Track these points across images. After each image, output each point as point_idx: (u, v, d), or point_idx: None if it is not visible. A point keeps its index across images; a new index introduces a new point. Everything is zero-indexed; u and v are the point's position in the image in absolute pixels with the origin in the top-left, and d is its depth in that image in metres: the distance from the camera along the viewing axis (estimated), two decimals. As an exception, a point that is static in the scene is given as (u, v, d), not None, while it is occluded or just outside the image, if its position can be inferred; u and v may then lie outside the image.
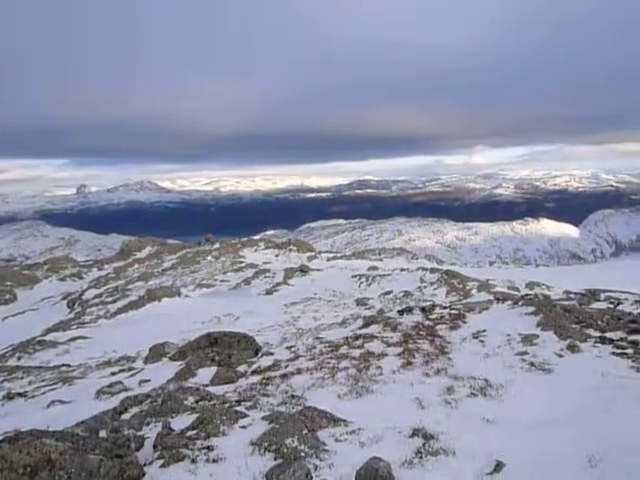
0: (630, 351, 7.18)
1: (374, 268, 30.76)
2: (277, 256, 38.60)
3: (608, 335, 8.06)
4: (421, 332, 8.51)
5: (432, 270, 26.52)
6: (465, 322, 9.23)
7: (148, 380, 7.92)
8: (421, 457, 4.17)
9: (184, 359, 8.56)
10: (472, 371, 6.56)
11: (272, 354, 8.28)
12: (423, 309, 10.60)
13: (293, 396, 5.99)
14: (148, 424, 5.25)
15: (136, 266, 38.65)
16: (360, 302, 21.47)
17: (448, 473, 3.93)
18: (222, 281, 29.29)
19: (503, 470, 3.90)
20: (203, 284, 28.49)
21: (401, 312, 10.57)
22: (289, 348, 8.62)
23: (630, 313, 9.78)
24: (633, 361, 6.72)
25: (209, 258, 36.90)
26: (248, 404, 5.58)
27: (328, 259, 37.62)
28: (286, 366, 7.28)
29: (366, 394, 6.01)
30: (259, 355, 8.22)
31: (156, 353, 10.82)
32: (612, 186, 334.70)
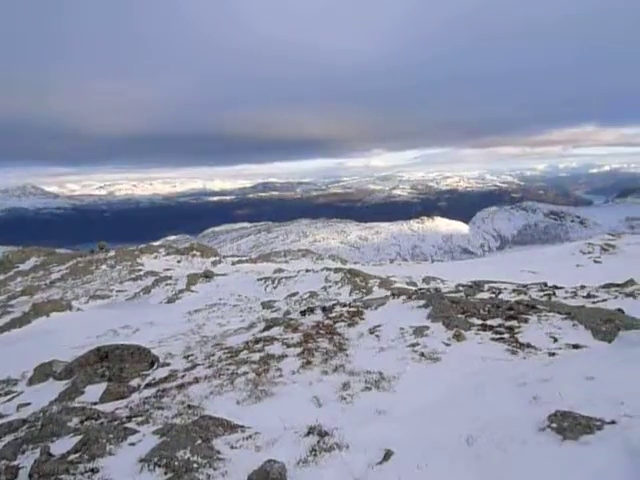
0: (506, 336, 7.92)
1: (280, 270, 30.79)
2: (179, 262, 37.19)
3: (489, 322, 8.81)
4: (321, 331, 8.69)
5: (336, 270, 27.13)
6: (363, 318, 9.57)
7: (28, 404, 7.21)
8: (315, 455, 4.24)
9: (71, 377, 7.93)
10: (368, 365, 6.82)
11: (169, 365, 7.95)
12: (324, 308, 10.82)
13: (190, 406, 5.80)
14: (24, 452, 4.78)
15: (19, 279, 35.10)
16: (266, 305, 21.39)
17: (341, 467, 4.04)
18: (119, 291, 27.57)
19: (392, 458, 4.09)
20: (97, 295, 26.60)
21: (303, 313, 10.71)
22: (187, 357, 8.34)
23: (508, 301, 10.78)
24: (509, 345, 7.42)
25: (104, 267, 34.57)
26: (140, 419, 5.30)
27: (233, 263, 37.00)
28: (183, 376, 7.03)
29: (265, 397, 5.99)
30: (154, 367, 7.86)
31: (41, 373, 9.88)
32: (496, 186, 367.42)
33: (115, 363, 7.65)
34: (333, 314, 10.18)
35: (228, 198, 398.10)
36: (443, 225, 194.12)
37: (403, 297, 11.07)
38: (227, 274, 30.13)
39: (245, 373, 6.79)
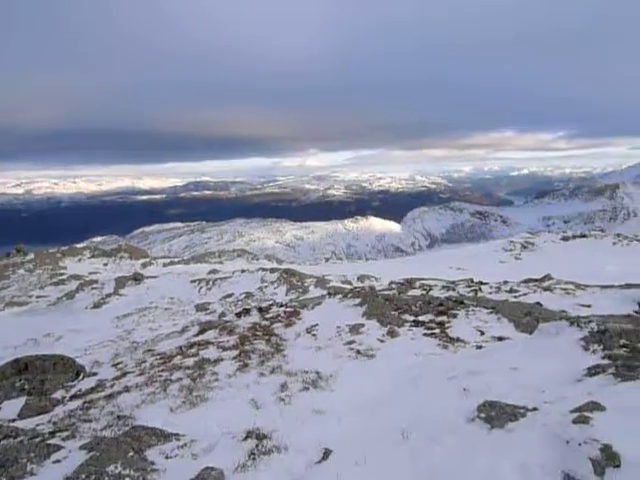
0: (437, 331, 8.26)
1: (214, 271, 30.18)
2: (106, 265, 35.42)
3: (421, 318, 9.15)
4: (257, 333, 8.60)
5: (272, 270, 27.01)
6: (300, 318, 9.59)
7: None
8: (254, 459, 4.19)
9: (-15, 393, 7.28)
10: (305, 365, 6.84)
11: (96, 374, 7.53)
12: (260, 309, 10.73)
13: (120, 417, 5.52)
14: None
15: None
16: (200, 307, 20.90)
17: (280, 470, 4.02)
18: (39, 297, 25.81)
19: (330, 456, 4.13)
20: (15, 302, 24.75)
21: (239, 314, 10.56)
22: (116, 365, 7.95)
23: (438, 297, 11.23)
24: (440, 339, 7.73)
25: (21, 271, 32.21)
26: (65, 434, 4.98)
27: (165, 265, 35.79)
28: (112, 385, 6.68)
29: (201, 403, 5.83)
30: (80, 377, 7.41)
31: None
32: (425, 187, 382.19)
33: (36, 375, 7.12)
34: (270, 315, 10.12)
35: (158, 197, 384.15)
36: (376, 225, 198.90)
37: (339, 296, 11.22)
38: (158, 276, 29.09)
39: (179, 379, 6.58)
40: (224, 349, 7.77)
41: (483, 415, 4.04)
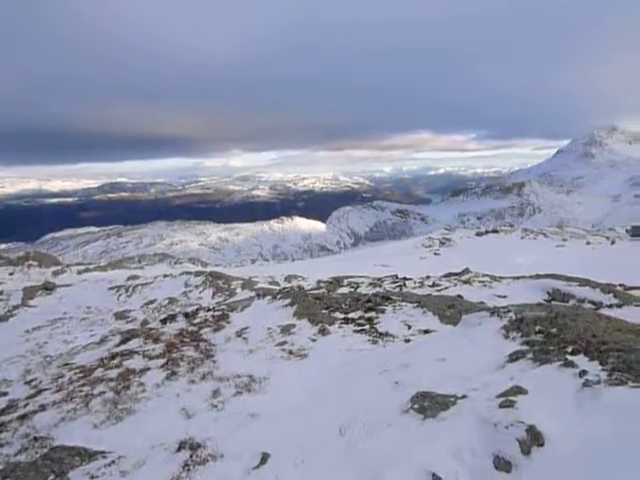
0: (367, 327, 8.42)
1: (134, 277, 28.78)
2: (12, 274, 32.55)
3: (350, 315, 9.28)
4: (185, 339, 8.29)
5: (197, 273, 26.26)
6: (229, 322, 9.38)
7: None
8: (189, 470, 4.03)
9: None
10: (237, 369, 6.68)
11: (5, 394, 6.87)
12: (187, 314, 10.36)
13: (36, 438, 5.07)
14: None
15: None
16: (120, 316, 19.83)
17: (217, 478, 3.89)
18: None
19: (268, 461, 4.06)
20: None
21: (164, 321, 10.13)
22: (28, 382, 7.30)
23: (366, 294, 11.47)
24: (370, 335, 7.89)
25: None
26: (-29, 463, 4.49)
27: (79, 272, 33.57)
28: (25, 405, 6.12)
29: (127, 416, 5.51)
30: (-13, 398, 6.73)
31: None
32: (349, 186, 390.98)
33: None
34: (197, 320, 9.80)
35: (70, 200, 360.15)
36: (302, 225, 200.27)
37: (268, 297, 11.12)
38: (72, 284, 27.23)
39: (102, 393, 6.16)
40: (150, 358, 7.39)
41: (416, 406, 4.16)
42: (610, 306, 9.88)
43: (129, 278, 28.42)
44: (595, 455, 3.08)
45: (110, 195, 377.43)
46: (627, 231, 41.78)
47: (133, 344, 8.48)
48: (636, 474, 2.85)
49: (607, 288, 11.25)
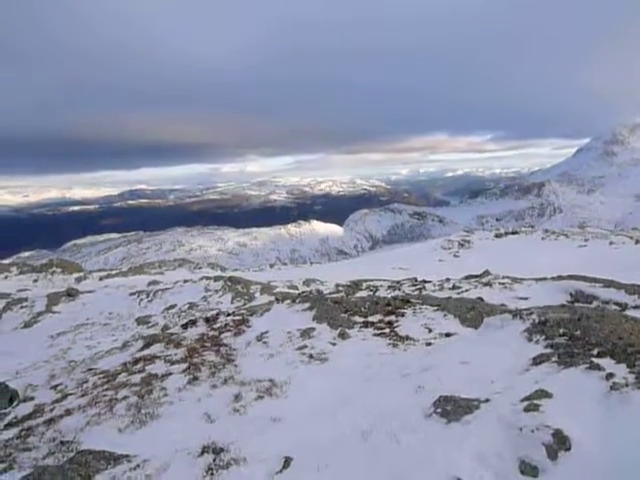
0: (387, 330, 8.37)
1: (155, 282, 29.12)
2: (36, 281, 33.26)
3: (370, 319, 9.25)
4: (206, 344, 8.36)
5: (216, 278, 26.44)
6: (249, 326, 9.42)
7: None
8: (212, 474, 4.06)
9: None
10: (258, 374, 6.71)
11: (32, 399, 7.01)
12: (207, 319, 10.45)
13: (63, 442, 5.17)
14: None
15: None
16: (141, 321, 20.07)
17: (240, 483, 3.91)
18: (-39, 319, 23.80)
19: (291, 464, 4.07)
20: None
21: (185, 326, 10.23)
22: (54, 387, 7.44)
23: (385, 297, 11.42)
24: (390, 339, 7.85)
25: (-60, 293, 29.59)
26: (2, 466, 4.59)
27: (101, 278, 34.12)
28: (52, 409, 6.25)
29: (151, 421, 5.58)
30: (14, 403, 6.87)
31: None
32: (365, 190, 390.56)
33: (-37, 404, 6.54)
34: (217, 324, 9.87)
35: (91, 207, 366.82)
36: (319, 228, 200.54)
37: (287, 301, 11.14)
38: (94, 290, 27.69)
39: (126, 397, 6.25)
40: (172, 363, 7.48)
41: (439, 410, 4.13)
42: (636, 307, 9.64)
43: (150, 283, 28.77)
44: (624, 460, 3.01)
45: (130, 202, 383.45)
46: (652, 230, 40.83)
47: (155, 349, 8.59)
48: (668, 480, 2.78)
49: (632, 289, 10.98)
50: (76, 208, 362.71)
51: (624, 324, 5.52)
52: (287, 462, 4.09)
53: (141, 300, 24.44)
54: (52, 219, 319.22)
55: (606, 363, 4.26)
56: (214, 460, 4.26)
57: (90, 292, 27.02)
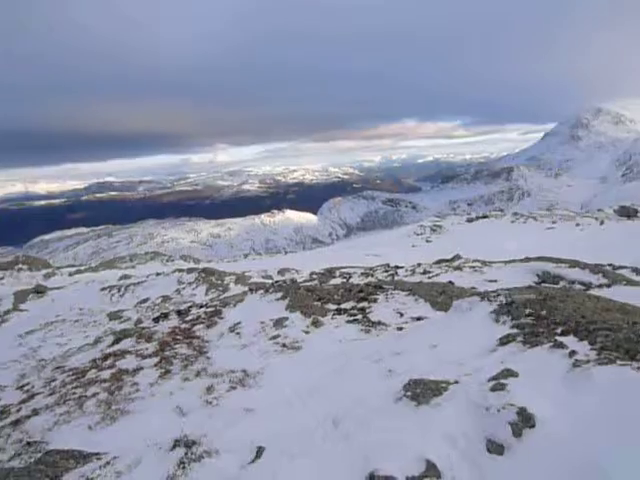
0: (360, 317, 8.43)
1: (126, 277, 28.62)
2: (2, 279, 32.27)
3: (343, 306, 9.29)
4: (178, 336, 8.26)
5: (189, 270, 26.13)
6: (222, 317, 9.35)
7: None
8: (184, 467, 4.02)
9: None
10: (231, 365, 6.67)
11: (-1, 400, 6.84)
12: (179, 312, 10.33)
13: (30, 443, 5.04)
14: None
15: None
16: (114, 316, 19.70)
17: (212, 474, 3.89)
18: None
19: (264, 454, 4.06)
20: None
21: (156, 319, 10.10)
22: (21, 387, 7.25)
23: (358, 284, 11.48)
24: (362, 325, 7.90)
25: None
26: (-36, 471, 4.45)
27: (70, 274, 33.36)
28: (18, 410, 6.08)
29: (121, 417, 5.49)
30: (-22, 405, 6.67)
31: None
32: (339, 177, 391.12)
33: None
34: (190, 317, 9.77)
35: (57, 201, 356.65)
36: (293, 217, 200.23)
37: (261, 291, 11.09)
38: (64, 287, 27.05)
39: (95, 394, 6.14)
40: (143, 357, 7.37)
41: (409, 393, 4.17)
42: (600, 286, 9.97)
43: (121, 278, 28.26)
44: (585, 434, 3.10)
45: (98, 195, 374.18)
46: (615, 211, 42.14)
47: (126, 344, 8.44)
48: (625, 451, 2.88)
49: (596, 269, 11.35)
50: (42, 202, 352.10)
51: (587, 303, 5.69)
52: (260, 452, 4.08)
53: (112, 295, 23.99)
54: (16, 214, 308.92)
55: (569, 341, 4.38)
56: (186, 453, 4.22)
57: (59, 288, 26.39)
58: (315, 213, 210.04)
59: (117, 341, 8.79)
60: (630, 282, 10.19)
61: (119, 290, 24.36)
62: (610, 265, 12.72)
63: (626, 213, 38.35)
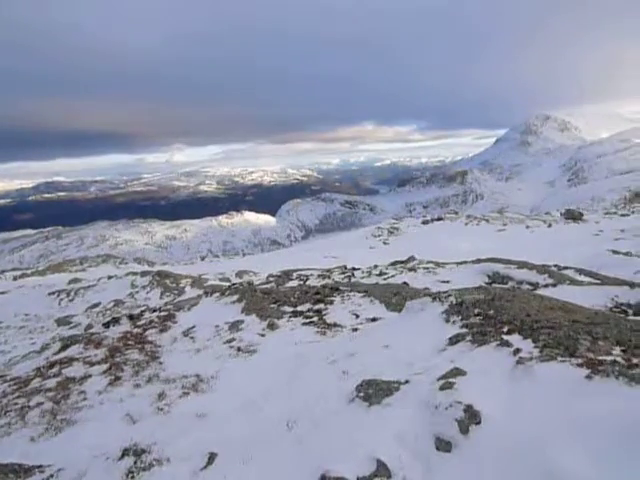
0: (316, 319, 8.46)
1: (76, 280, 27.58)
2: (-61, 284, 30.38)
3: (299, 308, 9.30)
4: (129, 342, 8.01)
5: (143, 273, 25.49)
6: (175, 322, 9.16)
7: None
8: (133, 477, 3.90)
9: None
10: (184, 370, 6.54)
11: None
12: (131, 316, 10.03)
13: (-35, 459, 4.76)
14: None
15: None
16: (62, 322, 18.94)
17: (163, 483, 3.80)
18: None
19: (216, 460, 4.00)
20: None
21: (107, 324, 9.76)
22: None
23: (315, 286, 11.52)
24: (318, 327, 7.93)
25: None
26: None
27: (15, 278, 31.82)
28: (-47, 423, 5.73)
29: (67, 427, 5.27)
30: None
31: None
32: (297, 179, 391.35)
33: None
34: (142, 321, 9.50)
35: (3, 202, 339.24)
36: (252, 219, 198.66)
37: (216, 294, 10.94)
38: (8, 291, 25.76)
39: (39, 404, 5.86)
40: (91, 364, 7.10)
41: (362, 394, 4.22)
42: (546, 286, 10.42)
43: (71, 282, 27.21)
44: (528, 428, 3.23)
45: (46, 195, 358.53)
46: (562, 214, 44.17)
47: (73, 351, 8.11)
48: (564, 442, 3.01)
49: (543, 269, 11.86)
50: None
51: (532, 302, 5.93)
52: (212, 458, 4.02)
53: (61, 300, 23.09)
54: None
55: (515, 339, 4.55)
56: (135, 463, 4.10)
57: (3, 293, 25.16)
58: (274, 215, 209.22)
59: (64, 348, 8.43)
60: (573, 282, 10.71)
61: (68, 294, 23.47)
62: (556, 266, 13.32)
63: (572, 216, 40.26)
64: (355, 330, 7.30)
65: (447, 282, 11.22)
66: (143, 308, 13.65)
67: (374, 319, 7.92)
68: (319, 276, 15.49)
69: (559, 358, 3.87)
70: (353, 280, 13.39)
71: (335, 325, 7.84)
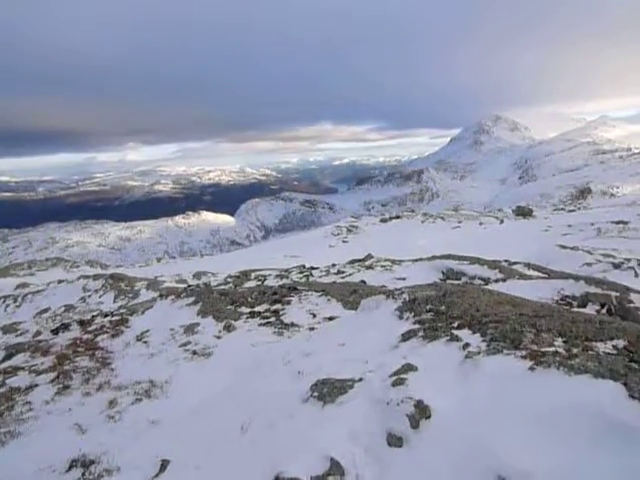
0: (273, 319, 8.43)
1: (24, 285, 26.42)
2: None
3: (256, 309, 9.24)
4: (79, 348, 7.73)
5: (95, 276, 24.61)
6: (128, 326, 8.91)
7: None
8: (80, 489, 3.77)
9: None
10: (137, 376, 6.37)
11: None
12: (81, 322, 9.68)
13: None
14: None
15: None
16: (8, 329, 17.98)
17: (112, 494, 3.69)
18: None
19: (168, 467, 3.93)
20: None
21: (55, 331, 9.38)
22: None
23: (272, 286, 11.47)
24: (275, 327, 7.91)
25: None
26: None
27: (-44, 284, 30.00)
28: None
29: (11, 440, 5.02)
30: None
31: None
32: (256, 179, 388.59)
33: None
34: (93, 327, 9.19)
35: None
36: (210, 219, 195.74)
37: (172, 297, 10.70)
38: (-52, 298, 24.31)
39: (-20, 417, 5.57)
40: (38, 373, 6.80)
41: (316, 394, 4.24)
42: (496, 281, 10.78)
43: (18, 286, 26.05)
44: (475, 420, 3.33)
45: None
46: (513, 211, 45.85)
47: (19, 359, 7.76)
48: (510, 434, 3.13)
49: (494, 264, 12.25)
50: None
51: (482, 297, 6.12)
52: (164, 465, 3.94)
53: (7, 305, 22.03)
54: None
55: (464, 334, 4.68)
56: (83, 474, 3.97)
57: (-59, 301, 23.66)
58: (232, 215, 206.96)
59: (9, 356, 8.04)
60: (523, 276, 11.12)
61: (15, 300, 22.42)
62: (506, 261, 13.79)
63: (522, 212, 41.91)
64: (312, 329, 7.32)
65: (403, 279, 11.42)
66: (95, 313, 13.21)
67: (331, 318, 7.96)
68: (277, 276, 15.44)
69: (505, 351, 4.01)
70: (311, 279, 13.43)
71: (292, 325, 7.84)
